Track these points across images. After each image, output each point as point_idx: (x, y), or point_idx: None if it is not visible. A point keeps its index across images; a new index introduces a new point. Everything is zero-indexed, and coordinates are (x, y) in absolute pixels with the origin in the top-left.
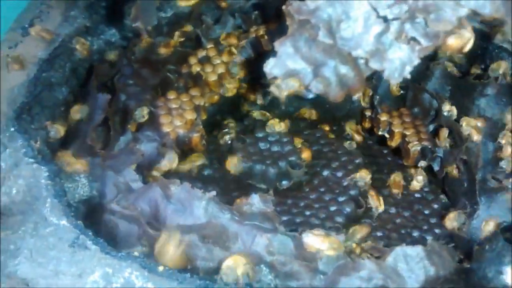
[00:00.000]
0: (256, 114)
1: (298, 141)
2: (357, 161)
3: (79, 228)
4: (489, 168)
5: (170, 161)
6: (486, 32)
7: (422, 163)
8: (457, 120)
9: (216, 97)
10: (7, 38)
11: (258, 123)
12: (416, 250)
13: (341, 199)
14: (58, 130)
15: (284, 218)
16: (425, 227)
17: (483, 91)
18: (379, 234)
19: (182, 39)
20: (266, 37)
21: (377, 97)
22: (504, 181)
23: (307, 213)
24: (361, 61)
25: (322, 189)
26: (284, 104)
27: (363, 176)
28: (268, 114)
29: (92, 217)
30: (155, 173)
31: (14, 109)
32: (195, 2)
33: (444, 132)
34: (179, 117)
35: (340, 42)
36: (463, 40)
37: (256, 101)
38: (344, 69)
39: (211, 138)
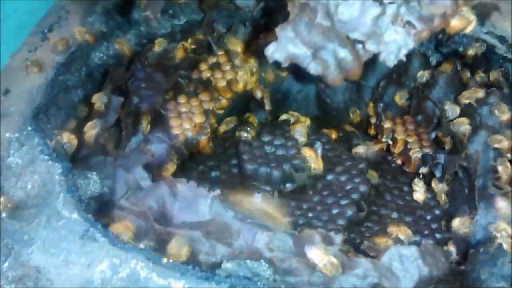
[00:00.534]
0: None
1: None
2: (360, 166)
3: (89, 221)
4: (490, 175)
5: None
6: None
7: (423, 170)
8: None
9: (225, 102)
10: (27, 42)
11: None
12: (411, 250)
13: (343, 202)
14: (71, 142)
15: (287, 219)
16: (427, 232)
17: (485, 99)
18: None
19: (194, 46)
20: None
21: (381, 104)
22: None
23: (310, 215)
24: (359, 46)
25: (325, 193)
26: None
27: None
28: None
29: (102, 212)
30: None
31: (32, 109)
32: None
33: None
34: (188, 120)
35: (338, 24)
36: (466, 21)
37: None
38: (342, 53)
39: (219, 140)
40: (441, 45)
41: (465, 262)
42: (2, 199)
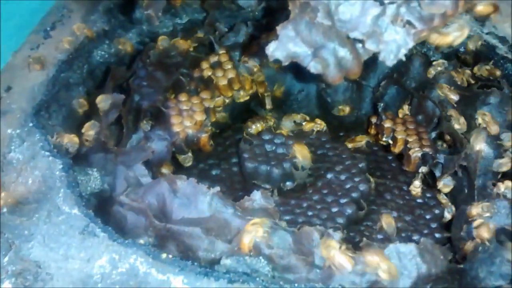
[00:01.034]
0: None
1: None
2: (360, 165)
3: (89, 216)
4: (489, 175)
5: None
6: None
7: (423, 169)
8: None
9: (226, 101)
10: (29, 40)
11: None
12: (409, 248)
13: (343, 201)
14: (73, 141)
15: (287, 217)
16: (426, 231)
17: (485, 100)
18: (379, 237)
19: (195, 45)
20: None
21: (382, 104)
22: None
23: (310, 213)
24: (359, 45)
25: (325, 191)
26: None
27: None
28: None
29: (102, 208)
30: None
31: (33, 106)
32: None
33: None
34: (189, 118)
35: (338, 24)
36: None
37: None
38: (342, 52)
39: (219, 139)
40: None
41: (464, 260)
42: (3, 194)
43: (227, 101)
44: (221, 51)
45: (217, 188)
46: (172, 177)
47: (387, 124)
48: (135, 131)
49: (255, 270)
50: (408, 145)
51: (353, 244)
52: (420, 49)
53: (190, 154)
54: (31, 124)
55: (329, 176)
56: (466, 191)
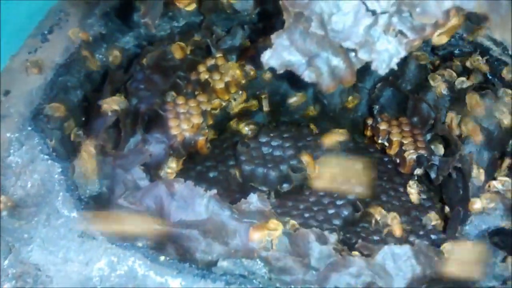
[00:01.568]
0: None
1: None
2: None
3: (88, 220)
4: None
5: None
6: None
7: (418, 171)
8: None
9: (223, 104)
10: (27, 43)
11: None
12: (404, 249)
13: (339, 202)
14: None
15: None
16: (421, 232)
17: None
18: (376, 238)
19: (192, 48)
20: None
21: (377, 106)
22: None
23: (306, 215)
24: (352, 54)
25: (321, 193)
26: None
27: None
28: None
29: (101, 211)
30: (162, 173)
31: (31, 110)
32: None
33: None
34: (186, 121)
35: (331, 34)
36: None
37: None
38: (335, 61)
39: (217, 142)
40: (437, 48)
41: None
42: (2, 198)
43: (223, 104)
44: (218, 55)
45: (214, 191)
46: (169, 180)
47: (383, 126)
48: (133, 134)
49: (252, 272)
50: (403, 147)
51: (349, 246)
52: (416, 52)
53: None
54: (29, 128)
55: None
56: (461, 192)
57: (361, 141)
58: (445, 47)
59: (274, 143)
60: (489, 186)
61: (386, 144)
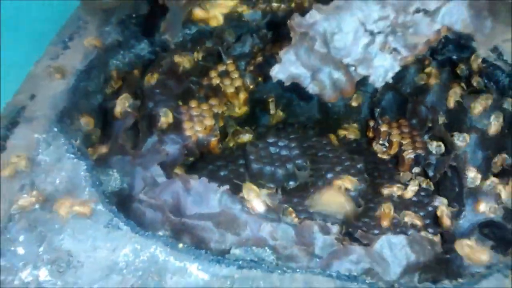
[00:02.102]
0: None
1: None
2: (358, 166)
3: (113, 212)
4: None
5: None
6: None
7: (416, 170)
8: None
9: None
10: (49, 50)
11: (270, 129)
12: (399, 239)
13: None
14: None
15: None
16: (418, 227)
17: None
18: (376, 232)
19: (204, 54)
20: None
21: (378, 109)
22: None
23: (311, 210)
24: (352, 68)
25: (325, 190)
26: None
27: None
28: None
29: (122, 206)
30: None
31: (56, 113)
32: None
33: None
34: (200, 123)
35: (333, 51)
36: None
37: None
38: (337, 74)
39: (226, 143)
40: (436, 53)
41: (451, 252)
42: (34, 192)
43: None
44: (229, 61)
45: (227, 186)
46: (185, 177)
47: (383, 128)
48: (150, 135)
49: (261, 258)
50: (403, 147)
51: (351, 238)
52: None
53: None
54: (55, 129)
55: (329, 176)
56: (456, 189)
57: (364, 141)
58: (444, 53)
59: (281, 144)
60: (483, 184)
61: (387, 144)
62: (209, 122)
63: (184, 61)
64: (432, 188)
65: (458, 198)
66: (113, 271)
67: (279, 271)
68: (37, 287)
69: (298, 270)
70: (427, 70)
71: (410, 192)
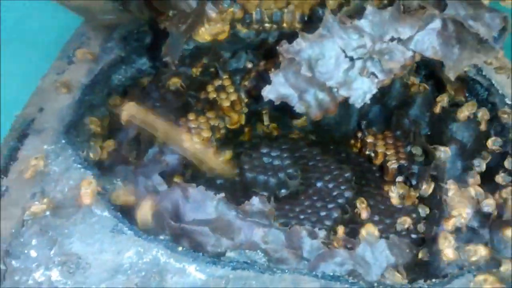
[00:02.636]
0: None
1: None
2: (346, 175)
3: (118, 218)
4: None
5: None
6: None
7: (399, 179)
8: None
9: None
10: (55, 65)
11: (263, 140)
12: (380, 243)
13: (330, 206)
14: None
15: (281, 220)
16: (404, 233)
17: (455, 117)
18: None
19: (201, 69)
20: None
21: (364, 122)
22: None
23: (301, 216)
24: (335, 90)
25: (314, 198)
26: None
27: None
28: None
29: (126, 212)
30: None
31: (63, 125)
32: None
33: None
34: (197, 135)
35: (318, 75)
36: None
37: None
38: (321, 95)
39: None
40: (419, 67)
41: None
42: (45, 200)
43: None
44: (224, 76)
45: (222, 194)
46: (184, 185)
47: (369, 139)
48: (151, 146)
49: (254, 260)
50: (387, 158)
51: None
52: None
53: None
54: (63, 141)
55: (318, 184)
56: (438, 197)
57: (351, 152)
58: (428, 67)
59: (273, 154)
60: (461, 193)
61: (372, 155)
62: (206, 134)
63: (178, 83)
64: (416, 195)
65: (438, 205)
66: (118, 271)
67: (270, 271)
68: (50, 287)
69: (287, 271)
70: (412, 83)
71: (394, 199)
